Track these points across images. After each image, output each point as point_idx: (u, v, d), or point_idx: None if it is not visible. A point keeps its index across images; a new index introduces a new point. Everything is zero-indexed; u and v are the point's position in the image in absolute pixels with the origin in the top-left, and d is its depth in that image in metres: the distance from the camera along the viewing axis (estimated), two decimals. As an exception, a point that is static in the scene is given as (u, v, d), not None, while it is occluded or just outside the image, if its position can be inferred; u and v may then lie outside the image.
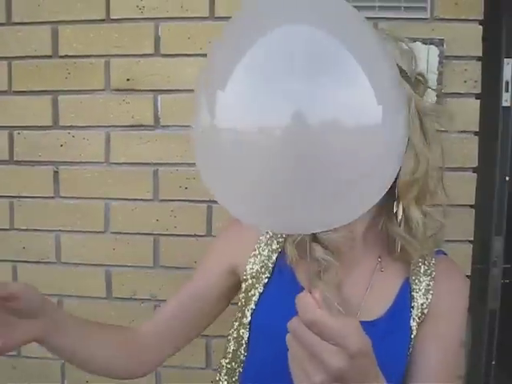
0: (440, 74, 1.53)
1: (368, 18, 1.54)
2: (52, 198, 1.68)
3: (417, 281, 1.02)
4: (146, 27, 1.61)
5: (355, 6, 1.53)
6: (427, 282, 1.02)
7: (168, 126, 1.62)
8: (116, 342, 1.03)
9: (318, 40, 0.58)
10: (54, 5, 1.64)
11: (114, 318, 1.67)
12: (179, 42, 1.61)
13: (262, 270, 1.05)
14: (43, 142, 1.67)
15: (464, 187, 1.58)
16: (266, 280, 1.05)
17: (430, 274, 1.03)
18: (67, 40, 1.64)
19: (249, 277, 1.06)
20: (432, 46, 1.53)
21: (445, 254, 1.09)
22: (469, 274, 1.58)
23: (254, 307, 1.04)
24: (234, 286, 1.10)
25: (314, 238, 0.98)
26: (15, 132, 1.68)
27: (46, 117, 1.67)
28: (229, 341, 1.09)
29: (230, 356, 1.08)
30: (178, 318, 1.09)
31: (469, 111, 1.57)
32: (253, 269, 1.06)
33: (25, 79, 1.66)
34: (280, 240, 1.07)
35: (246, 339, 1.05)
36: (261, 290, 1.04)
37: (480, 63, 1.56)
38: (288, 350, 0.65)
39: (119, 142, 1.65)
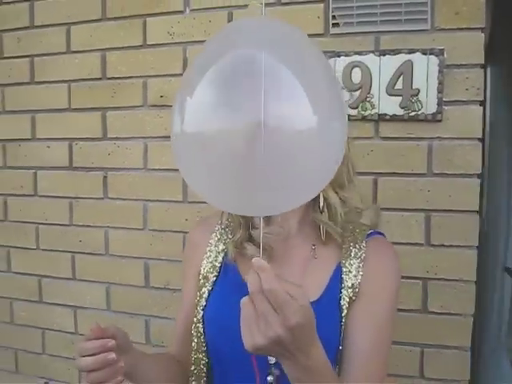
0: (440, 82, 1.60)
1: (370, 32, 1.66)
2: (102, 199, 1.98)
3: (347, 264, 1.09)
4: (175, 51, 1.85)
5: (358, 22, 1.66)
6: (357, 264, 1.08)
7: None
8: (175, 370, 1.18)
9: (270, 64, 0.72)
10: (103, 34, 1.93)
11: (150, 305, 1.92)
12: (204, 62, 1.82)
13: (211, 269, 1.17)
14: (95, 151, 1.97)
15: (468, 193, 1.63)
16: (214, 278, 1.16)
17: (360, 257, 1.09)
18: (113, 64, 1.92)
19: (201, 277, 1.17)
20: (432, 56, 1.61)
21: (380, 233, 1.16)
22: (474, 279, 1.64)
23: (204, 303, 1.14)
24: None
25: (250, 238, 1.11)
26: (73, 143, 2.00)
27: (96, 130, 1.96)
28: (192, 335, 1.17)
29: (195, 348, 1.16)
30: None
31: (472, 118, 1.61)
32: (204, 269, 1.18)
33: (80, 98, 1.97)
34: (226, 241, 1.19)
35: (202, 332, 1.14)
36: (210, 288, 1.15)
37: (483, 70, 1.61)
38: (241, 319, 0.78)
39: (155, 150, 1.90)
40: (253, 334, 0.76)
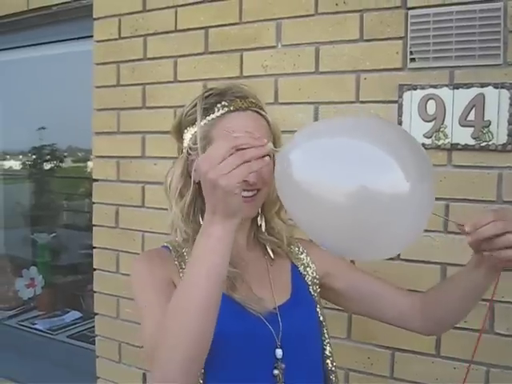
0: (511, 115, 1.69)
1: (445, 67, 1.77)
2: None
3: (298, 261, 1.38)
4: (268, 82, 2.05)
5: (434, 57, 1.80)
6: (305, 257, 1.39)
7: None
8: None
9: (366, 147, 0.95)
10: (205, 66, 2.18)
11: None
12: (292, 92, 2.01)
13: None
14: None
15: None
16: None
17: (303, 252, 1.40)
18: (212, 93, 2.15)
19: None
20: (503, 90, 1.70)
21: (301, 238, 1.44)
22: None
23: None
24: None
25: None
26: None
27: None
28: None
29: None
30: None
31: (543, 150, 1.69)
32: None
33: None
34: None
35: None
36: None
37: (555, 104, 1.68)
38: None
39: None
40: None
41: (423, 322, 1.37)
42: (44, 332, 3.21)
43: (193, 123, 1.22)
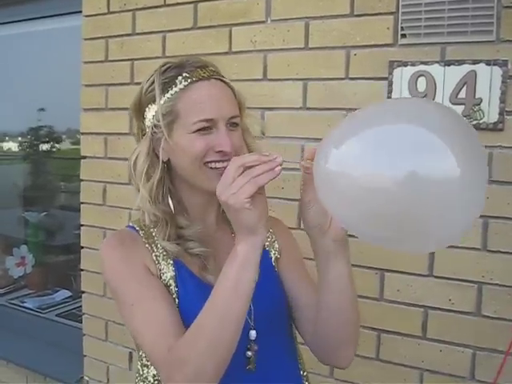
0: (503, 93, 1.64)
1: (436, 43, 1.73)
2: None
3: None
4: (257, 57, 2.01)
5: (425, 33, 1.76)
6: (271, 235, 1.34)
7: (272, 136, 1.98)
8: None
9: (417, 131, 0.87)
10: (193, 41, 2.14)
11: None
12: (281, 68, 1.97)
13: (168, 274, 1.17)
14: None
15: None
16: (174, 283, 1.17)
17: (269, 230, 1.31)
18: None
19: (165, 283, 1.17)
20: (495, 67, 1.66)
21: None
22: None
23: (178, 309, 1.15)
24: None
25: (178, 237, 1.19)
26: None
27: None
28: None
29: None
30: None
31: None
32: (164, 276, 1.17)
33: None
34: (174, 251, 1.19)
35: None
36: (175, 292, 1.16)
37: (549, 82, 1.64)
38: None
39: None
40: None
41: (312, 335, 1.24)
42: (33, 310, 3.20)
43: (154, 100, 1.16)
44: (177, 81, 1.14)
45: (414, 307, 1.83)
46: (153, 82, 1.16)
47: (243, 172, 0.98)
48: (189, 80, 1.14)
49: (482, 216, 1.70)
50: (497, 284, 1.71)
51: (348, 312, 1.15)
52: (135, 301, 1.12)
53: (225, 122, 1.13)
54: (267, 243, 1.32)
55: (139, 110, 1.21)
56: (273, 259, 1.32)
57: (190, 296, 1.16)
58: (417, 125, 0.86)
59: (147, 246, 1.20)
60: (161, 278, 1.17)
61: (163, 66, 1.18)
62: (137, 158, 1.19)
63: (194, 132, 1.11)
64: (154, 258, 1.18)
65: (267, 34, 2.00)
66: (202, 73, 1.15)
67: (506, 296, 1.70)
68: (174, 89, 1.14)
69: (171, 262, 1.18)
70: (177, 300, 1.15)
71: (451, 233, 0.90)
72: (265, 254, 1.28)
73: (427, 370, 1.83)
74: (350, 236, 1.06)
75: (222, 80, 1.19)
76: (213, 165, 1.13)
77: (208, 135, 1.12)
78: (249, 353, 1.16)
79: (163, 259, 1.19)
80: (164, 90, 1.15)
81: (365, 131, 0.89)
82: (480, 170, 0.88)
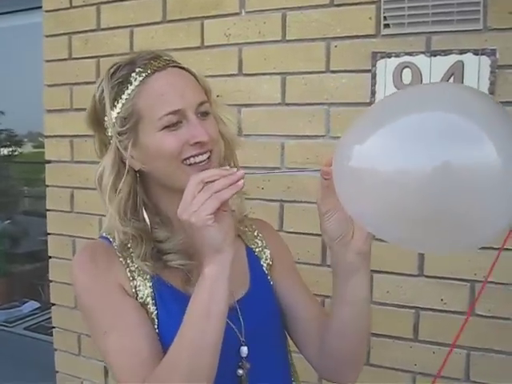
0: (492, 83, 1.59)
1: (421, 33, 1.66)
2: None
3: (253, 245, 1.24)
4: (231, 51, 1.91)
5: (410, 23, 1.69)
6: (260, 241, 1.25)
7: (249, 134, 1.89)
8: None
9: (448, 118, 0.77)
10: (163, 36, 2.03)
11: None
12: (257, 62, 1.88)
13: (146, 292, 1.07)
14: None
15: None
16: (153, 301, 1.06)
17: (258, 235, 1.26)
18: (172, 64, 2.01)
19: (141, 300, 1.06)
20: (483, 57, 1.60)
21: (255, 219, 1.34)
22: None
23: (157, 324, 1.06)
24: None
25: (158, 252, 1.08)
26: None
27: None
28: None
29: None
30: None
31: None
32: (140, 292, 1.07)
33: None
34: (147, 265, 1.08)
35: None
36: (154, 311, 1.06)
37: (538, 71, 1.58)
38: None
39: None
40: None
41: (319, 352, 1.15)
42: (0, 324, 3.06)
43: (111, 106, 1.03)
44: (131, 78, 1.02)
45: (405, 309, 1.76)
46: (105, 87, 1.04)
47: (203, 188, 0.92)
48: (143, 74, 1.02)
49: (473, 212, 1.65)
50: (490, 282, 1.65)
51: (365, 328, 1.09)
52: (108, 328, 1.02)
53: (193, 110, 1.01)
54: (258, 249, 1.23)
55: (96, 120, 1.08)
56: (265, 267, 1.21)
57: (171, 313, 1.05)
58: (447, 111, 0.76)
59: (121, 259, 1.08)
60: (137, 295, 1.06)
61: (112, 66, 1.06)
62: (102, 172, 1.06)
63: (163, 129, 1.00)
64: (129, 273, 1.07)
65: (242, 26, 1.90)
66: (156, 64, 1.03)
67: (500, 294, 1.64)
68: (130, 87, 1.01)
69: (148, 277, 1.07)
70: (156, 320, 1.05)
71: (494, 228, 0.80)
72: (256, 262, 1.20)
73: (420, 373, 1.77)
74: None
75: (180, 67, 1.07)
76: (191, 160, 1.01)
77: (179, 130, 1.00)
78: (240, 371, 1.06)
79: (139, 275, 1.07)
80: (119, 92, 1.02)
81: (390, 122, 0.79)
82: None
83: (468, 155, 0.73)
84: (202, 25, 1.96)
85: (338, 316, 1.06)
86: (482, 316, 1.67)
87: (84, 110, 2.19)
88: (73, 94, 2.26)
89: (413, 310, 1.76)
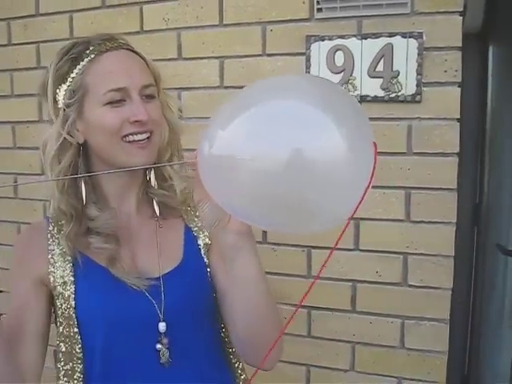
0: (419, 65, 1.66)
1: (352, 17, 1.72)
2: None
3: (192, 223, 1.22)
4: (170, 36, 1.94)
5: (341, 7, 1.74)
6: (200, 221, 1.22)
7: (189, 117, 1.92)
8: None
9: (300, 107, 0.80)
10: (103, 21, 2.03)
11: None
12: (196, 46, 1.91)
13: (65, 273, 1.11)
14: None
15: (446, 171, 1.71)
16: (73, 279, 1.10)
17: (198, 215, 1.23)
18: (112, 49, 2.01)
19: (57, 284, 1.11)
20: (411, 39, 1.67)
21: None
22: (453, 254, 1.73)
23: (74, 305, 1.09)
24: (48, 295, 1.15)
25: (88, 230, 1.11)
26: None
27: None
28: (59, 346, 1.13)
29: (63, 358, 1.13)
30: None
31: (450, 99, 1.68)
32: (56, 276, 1.11)
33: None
34: (69, 246, 1.12)
35: (78, 337, 1.10)
36: (73, 290, 1.10)
37: (460, 53, 1.66)
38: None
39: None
40: None
41: (238, 340, 1.17)
42: None
43: (63, 78, 1.07)
44: (84, 55, 1.06)
45: (343, 282, 1.84)
46: (59, 60, 1.07)
47: None
48: (95, 52, 1.06)
49: (404, 187, 1.73)
50: (421, 254, 1.74)
51: (263, 307, 1.06)
52: (12, 297, 1.14)
53: (138, 91, 1.05)
54: (196, 228, 1.22)
55: (51, 91, 1.10)
56: (201, 246, 1.20)
57: (94, 288, 1.10)
58: (297, 101, 0.80)
59: (50, 241, 1.13)
60: (54, 278, 1.11)
61: (70, 43, 1.10)
62: (47, 139, 1.09)
63: (106, 104, 1.03)
64: (50, 256, 1.12)
65: (180, 11, 1.92)
66: (110, 44, 1.07)
67: (431, 265, 1.73)
68: (82, 63, 1.05)
69: (69, 258, 1.11)
70: (73, 298, 1.09)
71: (339, 211, 0.84)
72: (192, 240, 1.21)
73: (358, 343, 1.85)
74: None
75: (133, 51, 1.12)
76: (130, 138, 1.04)
77: (121, 107, 1.04)
78: (158, 345, 1.09)
79: (62, 255, 1.12)
80: (72, 67, 1.06)
81: (247, 110, 0.81)
82: (366, 145, 0.82)
83: (314, 143, 0.77)
84: (141, 10, 1.98)
85: (236, 298, 1.06)
86: (414, 286, 1.76)
87: (26, 95, 2.20)
88: (13, 80, 2.24)
89: (350, 283, 1.83)
